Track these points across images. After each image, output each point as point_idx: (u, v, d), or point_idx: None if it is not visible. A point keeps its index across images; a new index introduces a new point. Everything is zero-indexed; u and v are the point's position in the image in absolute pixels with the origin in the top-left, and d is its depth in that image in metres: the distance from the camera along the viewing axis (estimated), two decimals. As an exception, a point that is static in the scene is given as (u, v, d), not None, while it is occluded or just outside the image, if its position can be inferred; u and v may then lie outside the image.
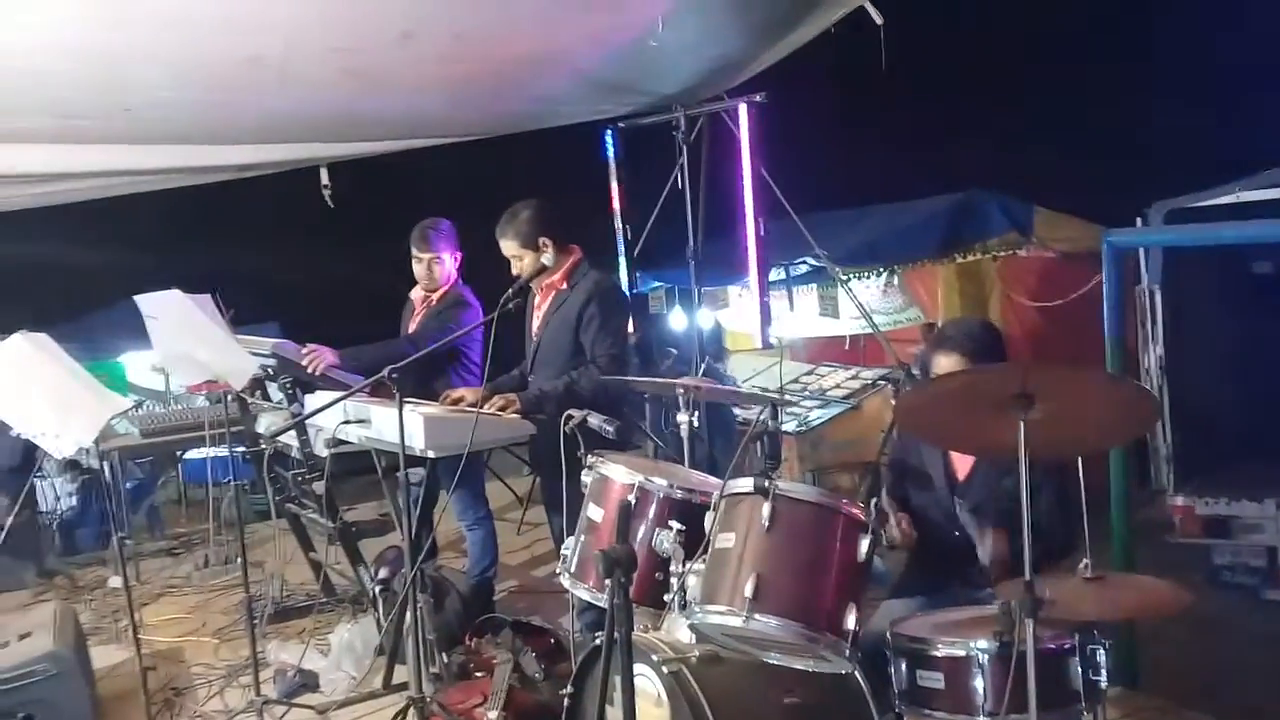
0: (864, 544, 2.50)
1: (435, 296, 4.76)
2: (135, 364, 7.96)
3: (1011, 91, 8.00)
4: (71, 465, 6.96)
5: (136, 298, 3.79)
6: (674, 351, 6.41)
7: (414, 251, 4.75)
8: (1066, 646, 2.41)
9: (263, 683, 4.00)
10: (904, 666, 2.52)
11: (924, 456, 3.17)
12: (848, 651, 2.46)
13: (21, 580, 6.10)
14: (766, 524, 2.49)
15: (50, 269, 7.35)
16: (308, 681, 4.24)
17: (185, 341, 3.81)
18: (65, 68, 3.81)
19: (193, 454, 6.93)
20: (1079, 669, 2.41)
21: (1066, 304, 5.84)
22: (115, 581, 5.86)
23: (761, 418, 2.79)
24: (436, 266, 4.73)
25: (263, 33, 3.76)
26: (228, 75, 4.17)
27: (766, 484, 2.50)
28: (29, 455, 6.01)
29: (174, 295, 3.72)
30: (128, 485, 6.90)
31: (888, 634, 2.59)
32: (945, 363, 3.00)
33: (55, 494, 6.97)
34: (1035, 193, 6.33)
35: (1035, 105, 8.04)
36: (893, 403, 5.85)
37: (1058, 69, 8.02)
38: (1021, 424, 2.20)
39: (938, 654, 2.47)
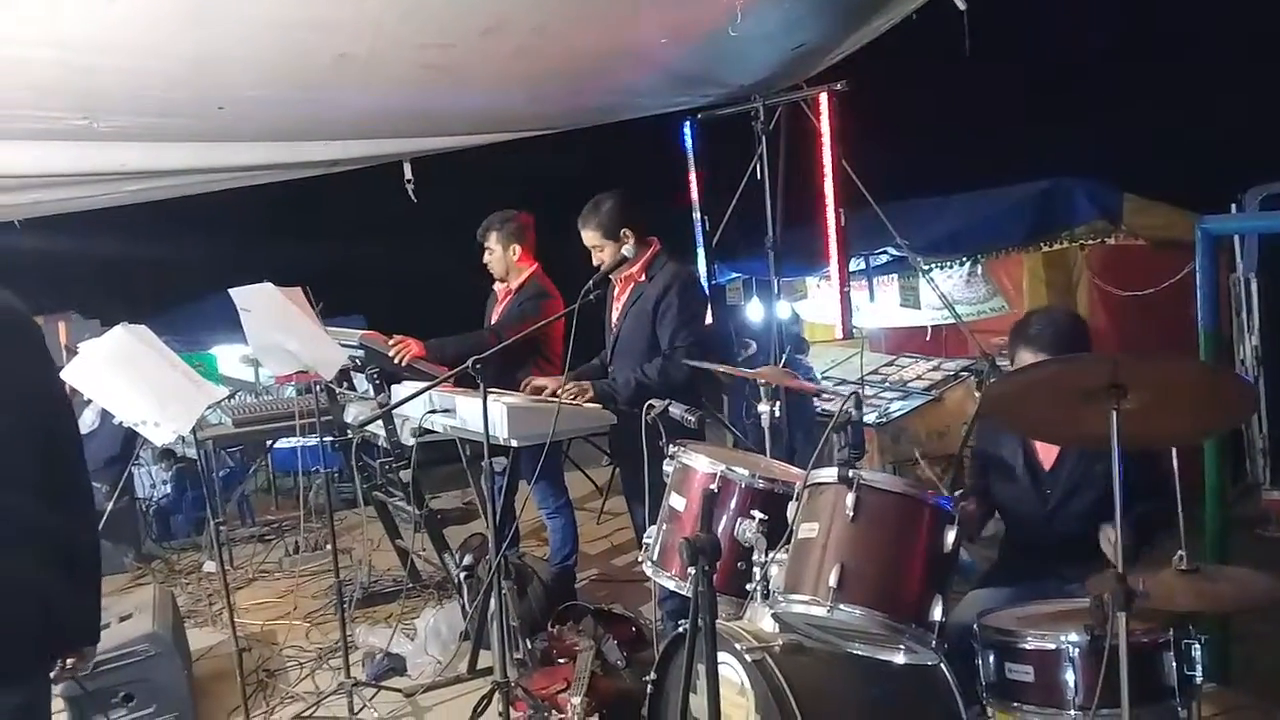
0: (950, 535, 2.47)
1: (516, 288, 4.83)
2: (226, 356, 8.22)
3: (1099, 75, 7.81)
4: (166, 454, 7.21)
5: (231, 290, 3.89)
6: (752, 343, 6.41)
7: (483, 243, 4.84)
8: (1160, 641, 2.36)
9: (352, 665, 4.08)
10: (992, 659, 2.49)
11: (1005, 446, 3.11)
12: (933, 643, 2.44)
13: (121, 564, 6.32)
14: (851, 514, 2.48)
15: (147, 264, 7.60)
16: (395, 665, 4.34)
17: (277, 333, 3.90)
18: (160, 67, 3.91)
19: (282, 443, 7.11)
20: (1173, 664, 2.35)
21: (1157, 293, 5.68)
22: (210, 566, 6.06)
23: (845, 408, 2.77)
24: (501, 257, 4.80)
25: (349, 30, 3.83)
26: (316, 73, 4.26)
27: (850, 474, 2.49)
28: (128, 444, 6.25)
29: (266, 288, 3.82)
30: (220, 473, 7.12)
31: (975, 625, 2.56)
32: (1029, 359, 2.95)
33: (151, 481, 7.22)
34: (1124, 179, 6.17)
35: (1124, 89, 7.83)
36: (976, 394, 5.78)
37: (1147, 51, 7.79)
38: (1114, 414, 2.16)
39: (1027, 646, 2.43)
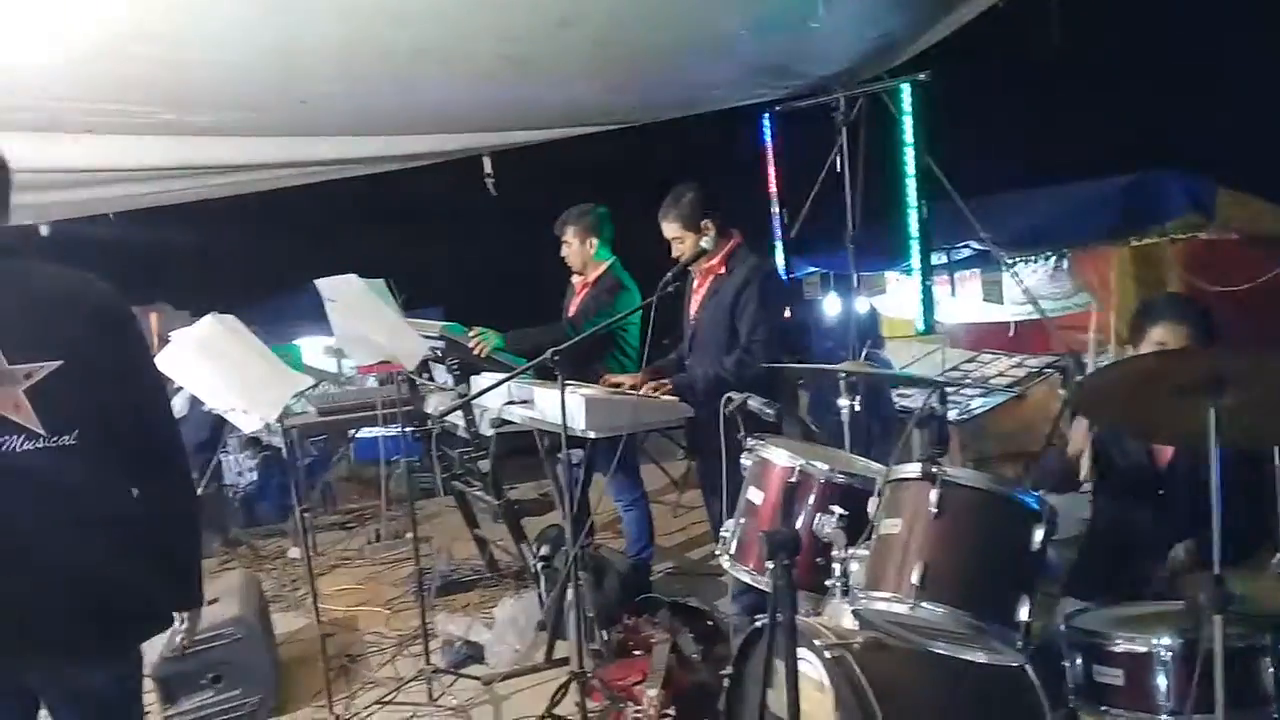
0: (1038, 533, 2.41)
1: (593, 280, 4.85)
2: (310, 347, 8.39)
3: (1190, 63, 7.54)
4: (252, 442, 7.39)
5: (316, 281, 3.97)
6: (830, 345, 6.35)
7: (560, 237, 4.88)
8: (1259, 645, 2.27)
9: (431, 653, 4.15)
10: (1079, 661, 2.43)
11: (1124, 443, 3.02)
12: (1019, 643, 2.39)
13: (209, 549, 6.49)
14: (935, 510, 2.43)
15: (236, 256, 7.78)
16: (473, 653, 4.38)
17: (360, 324, 3.98)
18: (243, 62, 4.00)
19: (364, 432, 7.24)
20: (1270, 670, 2.27)
21: (1254, 289, 5.49)
22: (294, 552, 6.20)
23: (928, 403, 2.73)
24: (578, 250, 4.83)
25: (428, 24, 3.88)
26: (394, 67, 4.32)
27: (934, 469, 2.45)
28: (216, 431, 6.42)
29: (351, 279, 3.89)
30: (304, 461, 7.27)
31: (1063, 626, 2.50)
32: (1162, 334, 2.85)
33: (238, 469, 7.40)
34: (1218, 171, 5.96)
35: (1217, 77, 7.55)
36: (1060, 392, 5.63)
37: (1241, 36, 7.51)
38: (1211, 411, 2.09)
39: (1116, 649, 2.36)
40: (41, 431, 2.12)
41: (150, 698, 3.98)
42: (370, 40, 3.96)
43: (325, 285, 3.94)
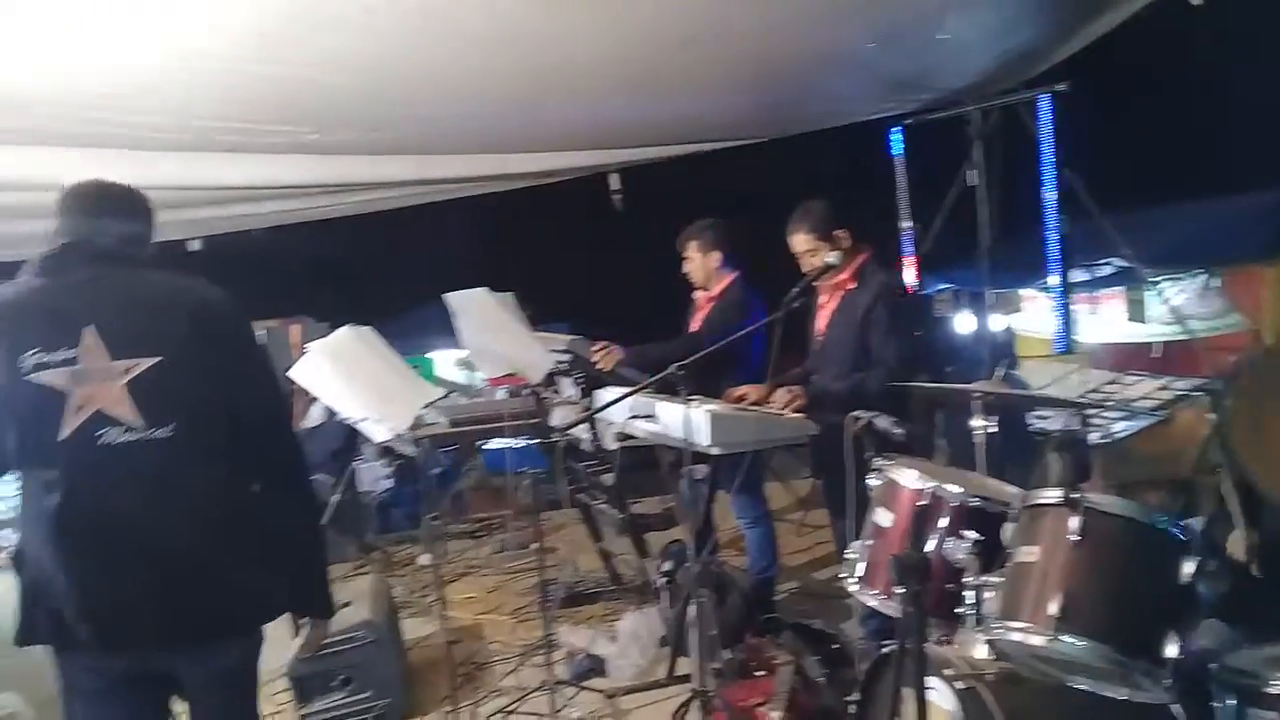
0: (1187, 566, 2.29)
1: (716, 295, 4.83)
2: (443, 359, 8.59)
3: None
4: (388, 450, 7.58)
5: (446, 295, 4.07)
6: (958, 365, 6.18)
7: (682, 252, 4.89)
8: None
9: (555, 664, 4.17)
10: (1232, 702, 2.29)
11: None
12: (1166, 681, 2.27)
13: (344, 554, 6.69)
14: (1075, 538, 2.33)
15: (374, 270, 8.02)
16: (596, 666, 4.40)
17: (488, 336, 4.06)
18: (384, 84, 4.14)
19: (493, 444, 7.37)
20: None
21: None
22: (425, 559, 6.34)
23: (1068, 425, 2.62)
24: (701, 264, 4.83)
25: (554, 44, 3.93)
26: (524, 88, 4.40)
27: (1075, 495, 2.35)
28: (351, 439, 6.60)
29: (479, 293, 3.98)
30: (435, 471, 7.43)
31: (1213, 665, 2.36)
32: None
33: (374, 476, 7.61)
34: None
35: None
36: (1209, 416, 5.36)
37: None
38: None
39: (1274, 691, 2.23)
40: (140, 424, 2.25)
41: (286, 695, 4.14)
42: (501, 62, 4.05)
43: (454, 299, 4.04)
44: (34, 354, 2.22)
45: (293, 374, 3.68)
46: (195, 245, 6.59)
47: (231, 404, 2.39)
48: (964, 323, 6.99)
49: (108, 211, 2.41)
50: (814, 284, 3.86)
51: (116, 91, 3.77)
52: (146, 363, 2.27)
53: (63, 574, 2.24)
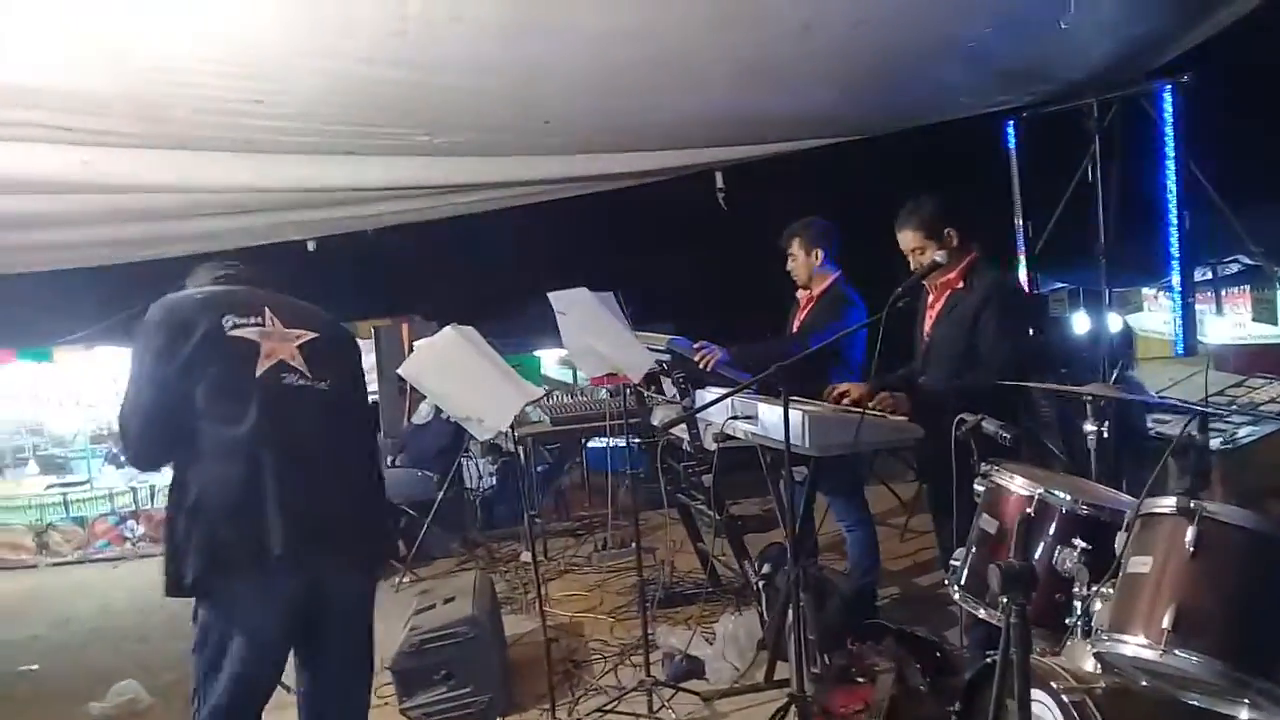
0: (1312, 581, 2.16)
1: (818, 294, 4.77)
2: (548, 358, 8.70)
3: None
4: (492, 448, 7.72)
5: (550, 294, 4.10)
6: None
7: (786, 250, 4.85)
8: None
9: (652, 664, 4.18)
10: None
11: None
12: (1287, 701, 2.14)
13: (448, 549, 6.82)
14: (1191, 549, 2.22)
15: (481, 270, 8.14)
16: (693, 668, 4.38)
17: (590, 336, 4.07)
18: (495, 85, 4.18)
19: (595, 442, 7.42)
20: None
21: None
22: (526, 556, 6.42)
23: (1187, 430, 2.50)
24: (804, 263, 4.78)
25: (666, 39, 3.93)
26: (633, 83, 4.40)
27: (1192, 504, 2.23)
28: (458, 437, 6.74)
29: (581, 292, 3.99)
30: (539, 469, 7.52)
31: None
32: None
33: (478, 473, 7.75)
34: None
35: None
36: (1344, 421, 5.07)
37: None
38: None
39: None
40: (309, 375, 2.86)
41: (389, 689, 4.23)
42: (611, 59, 4.05)
43: (557, 298, 4.06)
44: (231, 319, 2.81)
45: (401, 371, 3.79)
46: (311, 245, 6.80)
47: (352, 378, 3.08)
48: (1080, 323, 6.77)
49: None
50: (921, 283, 3.77)
51: (255, 98, 3.92)
52: (309, 335, 2.92)
53: (254, 490, 2.68)
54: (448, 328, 3.79)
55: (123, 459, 2.56)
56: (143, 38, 3.36)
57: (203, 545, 2.65)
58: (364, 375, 3.21)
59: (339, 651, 2.91)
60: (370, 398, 3.28)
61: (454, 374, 3.67)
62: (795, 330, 4.78)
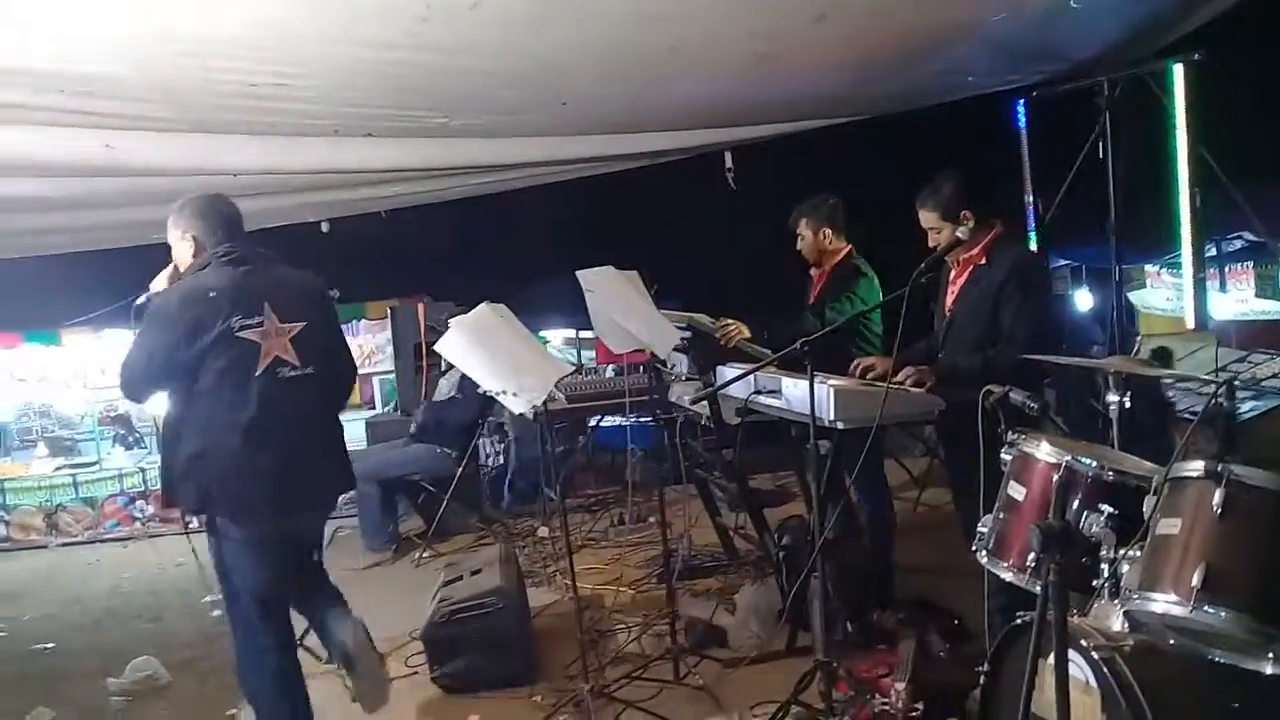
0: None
1: (829, 270, 4.84)
2: (553, 339, 8.76)
3: None
4: (497, 428, 7.80)
5: (578, 273, 4.18)
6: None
7: (794, 230, 4.92)
8: None
9: (676, 634, 4.26)
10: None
11: None
12: (1314, 655, 2.24)
13: (467, 525, 6.90)
14: (1218, 511, 2.31)
15: (488, 250, 8.21)
16: (715, 637, 4.46)
17: (617, 313, 4.15)
18: (512, 67, 4.23)
19: (606, 421, 7.48)
20: None
21: None
22: (543, 531, 6.51)
23: (1216, 398, 2.59)
24: (812, 242, 4.85)
25: (682, 23, 3.98)
26: (650, 67, 4.45)
27: (1220, 468, 2.33)
28: (480, 415, 6.81)
29: (608, 270, 4.08)
30: (558, 449, 7.58)
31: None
32: None
33: (489, 450, 7.83)
34: None
35: None
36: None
37: None
38: None
39: None
40: (299, 364, 3.39)
41: (421, 658, 4.32)
42: (627, 42, 4.11)
43: (586, 276, 4.14)
44: (239, 319, 3.30)
45: (438, 348, 3.90)
46: (325, 227, 6.85)
47: (334, 354, 3.62)
48: (1081, 299, 6.87)
49: (241, 224, 3.53)
50: (943, 259, 3.84)
51: (279, 81, 3.98)
52: (299, 326, 3.41)
53: (252, 462, 3.28)
54: (483, 304, 3.87)
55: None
56: (169, 20, 3.41)
57: (201, 492, 3.32)
58: (342, 341, 3.79)
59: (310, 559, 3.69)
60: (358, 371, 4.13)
61: (490, 349, 3.75)
62: (811, 305, 4.85)
